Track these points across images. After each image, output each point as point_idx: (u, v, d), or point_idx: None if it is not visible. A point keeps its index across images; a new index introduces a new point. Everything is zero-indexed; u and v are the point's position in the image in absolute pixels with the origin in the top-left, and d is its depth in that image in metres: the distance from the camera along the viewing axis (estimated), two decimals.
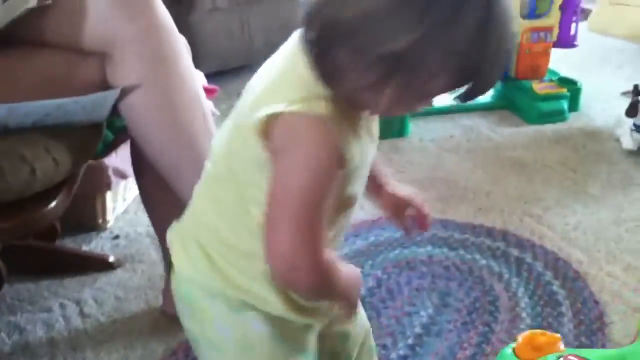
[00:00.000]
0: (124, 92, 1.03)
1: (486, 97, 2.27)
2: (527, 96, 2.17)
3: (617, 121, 2.02)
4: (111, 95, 1.03)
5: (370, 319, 1.25)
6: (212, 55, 2.31)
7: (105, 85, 1.06)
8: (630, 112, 1.92)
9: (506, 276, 1.40)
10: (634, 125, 1.93)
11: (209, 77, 2.04)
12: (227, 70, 2.38)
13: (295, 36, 0.68)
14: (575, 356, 0.91)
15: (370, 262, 1.44)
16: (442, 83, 0.67)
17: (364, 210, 1.65)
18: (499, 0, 0.62)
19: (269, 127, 0.66)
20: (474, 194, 1.73)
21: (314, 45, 0.64)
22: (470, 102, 2.09)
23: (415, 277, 1.39)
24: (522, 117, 2.16)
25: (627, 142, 1.93)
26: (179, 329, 1.23)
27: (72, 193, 1.07)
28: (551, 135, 2.07)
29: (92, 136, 1.11)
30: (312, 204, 0.66)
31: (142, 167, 1.19)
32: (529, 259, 1.45)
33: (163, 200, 1.20)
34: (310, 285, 0.69)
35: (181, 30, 1.12)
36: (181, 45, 1.10)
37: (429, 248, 1.49)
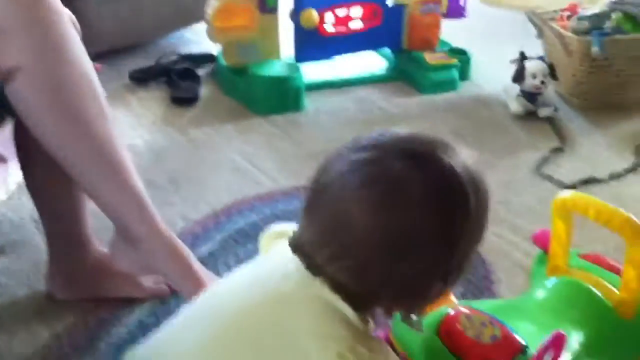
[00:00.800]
0: (10, 75, 0.98)
1: (380, 69, 2.31)
2: (420, 67, 2.20)
3: (505, 88, 2.08)
4: None
5: None
6: (102, 34, 2.23)
7: None
8: (517, 78, 1.99)
9: None
10: (521, 90, 2.00)
11: (100, 56, 1.97)
12: (118, 50, 2.31)
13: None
14: (467, 307, 0.95)
15: None
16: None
17: (259, 184, 1.64)
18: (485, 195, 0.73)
19: None
20: None
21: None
22: (364, 74, 2.18)
23: None
24: (415, 88, 2.20)
25: (515, 108, 2.00)
26: (65, 313, 1.21)
27: None
28: (443, 105, 2.11)
29: None
30: None
31: (29, 153, 1.15)
32: None
33: (52, 188, 1.16)
34: None
35: (70, 9, 1.07)
36: (69, 25, 1.05)
37: None
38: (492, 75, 2.30)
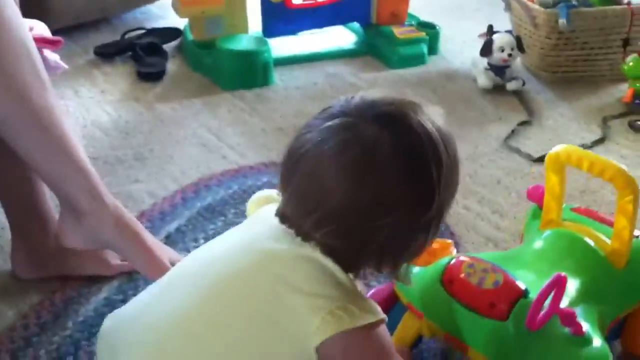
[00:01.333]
0: None
1: (348, 44, 2.29)
2: (388, 41, 2.19)
3: (473, 62, 2.09)
4: None
5: None
6: (66, 9, 2.18)
7: None
8: (484, 51, 1.99)
9: None
10: (488, 64, 2.00)
11: (65, 31, 1.94)
12: (83, 25, 2.26)
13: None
14: (466, 256, 0.97)
15: (233, 210, 1.42)
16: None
17: (226, 160, 1.63)
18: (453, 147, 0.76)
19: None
20: None
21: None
22: (332, 49, 2.17)
23: None
24: (384, 62, 2.19)
25: (483, 81, 2.00)
26: (30, 292, 1.19)
27: None
28: (412, 79, 2.11)
29: None
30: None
31: None
32: None
33: (3, 163, 1.13)
34: None
35: None
36: None
37: None
38: (460, 49, 2.30)
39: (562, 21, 1.95)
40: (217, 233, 1.33)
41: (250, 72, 1.99)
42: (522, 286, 0.90)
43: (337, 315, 0.70)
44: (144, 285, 1.18)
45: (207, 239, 1.32)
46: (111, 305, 1.15)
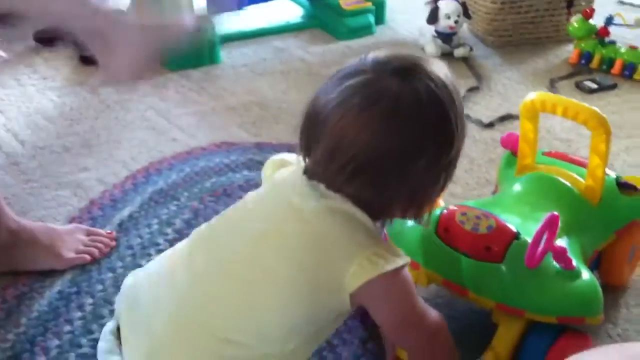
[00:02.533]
0: None
1: (295, 18, 2.26)
2: (335, 13, 2.18)
3: (420, 30, 2.08)
4: None
5: None
6: None
7: None
8: (431, 19, 1.99)
9: None
10: (435, 32, 2.00)
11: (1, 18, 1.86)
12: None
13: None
14: (456, 206, 1.02)
15: (186, 193, 1.40)
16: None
17: (177, 142, 1.60)
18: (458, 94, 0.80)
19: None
20: (288, 114, 1.72)
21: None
22: (279, 23, 2.15)
23: (233, 202, 1.37)
24: (332, 34, 2.17)
25: (431, 49, 2.00)
26: None
27: None
28: (360, 50, 2.09)
29: None
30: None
31: None
32: None
33: None
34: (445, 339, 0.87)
35: None
36: None
37: (245, 172, 1.47)
38: (407, 17, 2.30)
39: None
40: (171, 217, 1.32)
41: (196, 51, 1.96)
42: (514, 229, 0.95)
43: (373, 261, 0.76)
44: (97, 277, 1.17)
45: (160, 224, 1.30)
46: (65, 298, 1.13)
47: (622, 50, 1.93)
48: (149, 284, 0.85)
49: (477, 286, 0.94)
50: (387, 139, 0.75)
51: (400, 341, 0.90)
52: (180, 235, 1.26)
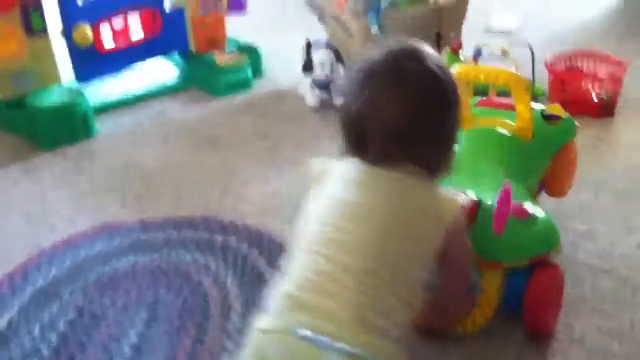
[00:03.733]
0: None
1: (172, 79, 2.22)
2: (211, 70, 2.15)
3: (298, 80, 2.08)
4: None
5: (74, 356, 1.16)
6: None
7: None
8: (305, 69, 1.99)
9: (213, 267, 1.37)
10: (312, 80, 2.00)
11: None
12: None
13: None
14: None
15: (69, 289, 1.32)
16: None
17: (55, 231, 1.52)
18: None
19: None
20: (171, 184, 1.67)
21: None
22: (155, 86, 2.10)
23: (120, 294, 1.31)
24: (210, 92, 2.14)
25: (310, 99, 2.00)
26: None
27: None
28: (240, 105, 2.07)
29: None
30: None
31: None
32: (233, 242, 1.44)
33: None
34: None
35: None
36: None
37: (131, 257, 1.41)
38: (285, 67, 2.29)
39: (374, 27, 1.98)
40: (55, 318, 1.24)
41: (69, 127, 1.87)
42: (474, 198, 1.11)
43: (453, 197, 1.00)
44: None
45: (44, 330, 1.21)
46: None
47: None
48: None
49: None
50: (427, 107, 0.96)
51: (460, 269, 1.07)
52: (66, 340, 1.19)
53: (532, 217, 1.12)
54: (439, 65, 0.99)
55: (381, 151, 0.97)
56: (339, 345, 0.83)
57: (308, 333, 0.84)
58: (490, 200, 1.12)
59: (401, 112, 0.95)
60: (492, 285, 1.12)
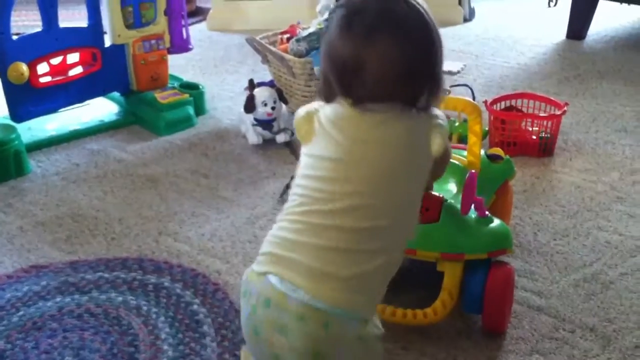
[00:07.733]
0: None
1: (111, 116, 2.17)
2: (152, 108, 2.11)
3: (241, 118, 2.06)
4: None
5: None
6: None
7: None
8: (248, 108, 1.96)
9: (145, 308, 1.32)
10: (255, 119, 1.98)
11: None
12: None
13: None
14: None
15: None
16: None
17: None
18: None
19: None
20: (106, 224, 1.62)
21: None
22: (93, 123, 2.04)
23: (44, 337, 1.24)
24: (151, 130, 2.10)
25: (252, 138, 1.98)
26: None
27: None
28: (182, 144, 2.03)
29: None
30: None
31: None
32: (167, 283, 1.39)
33: None
34: None
35: None
36: None
37: (58, 299, 1.34)
38: (228, 105, 2.28)
39: (316, 69, 1.98)
40: None
41: (0, 163, 1.81)
42: (440, 195, 1.23)
43: (440, 124, 0.99)
44: None
45: None
46: None
47: (457, 124, 1.88)
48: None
49: (422, 244, 1.20)
50: (417, 43, 0.95)
51: (445, 163, 1.09)
52: None
53: (490, 217, 1.26)
54: (421, 3, 0.99)
55: (373, 91, 0.95)
56: (297, 294, 0.88)
57: (276, 280, 0.90)
58: (453, 201, 1.26)
59: (401, 52, 0.93)
60: (454, 277, 1.23)
